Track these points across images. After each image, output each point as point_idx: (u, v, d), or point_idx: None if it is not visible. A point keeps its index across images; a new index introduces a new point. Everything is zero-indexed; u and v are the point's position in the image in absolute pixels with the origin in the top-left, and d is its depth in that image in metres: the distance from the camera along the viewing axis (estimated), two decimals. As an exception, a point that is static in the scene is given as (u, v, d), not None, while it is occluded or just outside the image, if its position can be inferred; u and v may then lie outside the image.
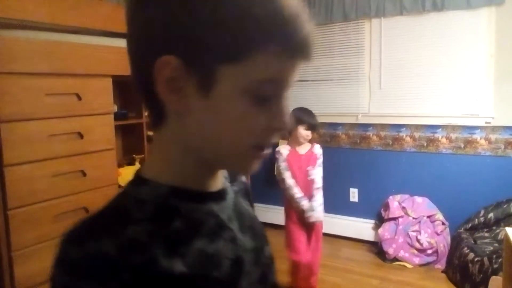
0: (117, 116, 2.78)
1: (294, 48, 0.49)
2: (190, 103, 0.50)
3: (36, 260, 2.12)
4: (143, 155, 3.06)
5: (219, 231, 0.56)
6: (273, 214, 4.26)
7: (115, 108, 2.86)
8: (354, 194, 4.05)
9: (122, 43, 2.61)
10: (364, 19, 3.87)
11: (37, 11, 2.18)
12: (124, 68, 2.19)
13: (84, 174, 2.38)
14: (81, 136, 2.36)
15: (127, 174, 2.77)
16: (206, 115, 0.50)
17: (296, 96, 4.26)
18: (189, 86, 0.49)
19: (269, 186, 4.43)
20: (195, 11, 0.46)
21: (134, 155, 2.98)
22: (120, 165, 2.85)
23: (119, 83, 2.95)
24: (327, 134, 4.13)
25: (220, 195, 0.59)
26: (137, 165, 2.90)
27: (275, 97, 0.51)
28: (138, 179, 0.55)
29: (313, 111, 2.81)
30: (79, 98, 2.35)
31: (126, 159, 3.04)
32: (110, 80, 2.53)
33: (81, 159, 2.37)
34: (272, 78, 0.49)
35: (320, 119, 4.09)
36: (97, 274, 0.46)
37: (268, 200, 4.42)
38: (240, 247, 0.58)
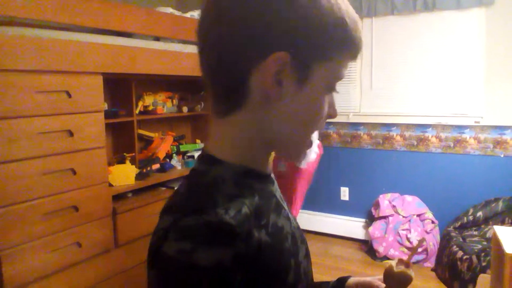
0: (107, 114, 2.76)
1: (357, 51, 0.61)
2: (284, 93, 0.57)
3: (25, 259, 2.10)
4: (133, 153, 3.04)
5: (279, 208, 0.64)
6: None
7: (105, 106, 2.84)
8: (345, 193, 4.06)
9: (112, 40, 2.60)
10: (355, 19, 3.88)
11: (26, 7, 2.15)
12: (114, 65, 2.16)
13: (74, 172, 2.36)
14: (71, 134, 2.34)
15: (117, 172, 2.75)
16: (295, 104, 0.58)
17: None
18: (289, 78, 0.56)
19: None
20: (299, 11, 0.53)
21: (124, 154, 2.96)
22: (110, 164, 2.83)
23: (110, 81, 2.93)
24: (319, 133, 4.14)
25: (272, 178, 0.68)
26: (128, 164, 2.89)
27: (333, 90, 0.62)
28: (212, 159, 0.61)
29: None
30: (69, 95, 2.32)
31: (116, 158, 3.02)
32: (100, 77, 2.51)
33: (70, 157, 2.35)
34: (341, 75, 0.61)
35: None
36: (216, 241, 0.49)
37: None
38: (292, 224, 0.67)
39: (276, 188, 0.67)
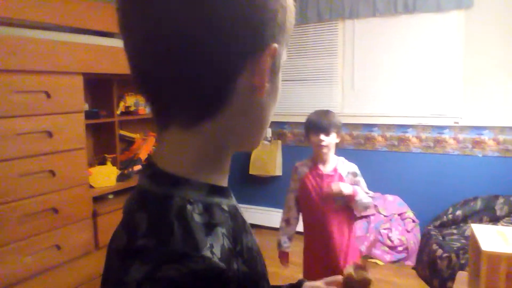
0: (88, 115, 2.72)
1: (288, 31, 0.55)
2: (267, 85, 0.51)
3: (2, 263, 2.06)
4: (114, 155, 3.01)
5: (245, 224, 0.57)
6: (246, 213, 4.26)
7: (86, 107, 2.80)
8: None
9: (93, 40, 2.57)
10: (337, 20, 3.92)
11: (5, 6, 2.11)
12: (95, 65, 2.14)
13: (53, 174, 2.32)
14: (50, 135, 2.30)
15: (98, 174, 2.72)
16: (270, 95, 0.53)
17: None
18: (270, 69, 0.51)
19: (242, 185, 4.44)
20: (272, 3, 0.49)
21: (105, 155, 2.93)
22: (91, 165, 2.79)
23: (91, 81, 2.89)
24: (300, 133, 4.16)
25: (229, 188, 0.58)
26: (109, 165, 2.85)
27: None
28: (171, 178, 0.50)
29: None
30: (48, 95, 2.29)
31: (97, 159, 2.98)
32: (81, 77, 2.47)
33: (50, 158, 2.31)
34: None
35: (294, 119, 4.15)
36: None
37: (241, 199, 4.42)
38: (253, 237, 0.58)
39: (234, 200, 0.59)
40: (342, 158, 2.19)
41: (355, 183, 2.09)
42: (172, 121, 0.52)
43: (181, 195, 0.49)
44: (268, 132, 4.28)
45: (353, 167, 2.15)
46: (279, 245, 2.21)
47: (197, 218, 0.47)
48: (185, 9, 0.45)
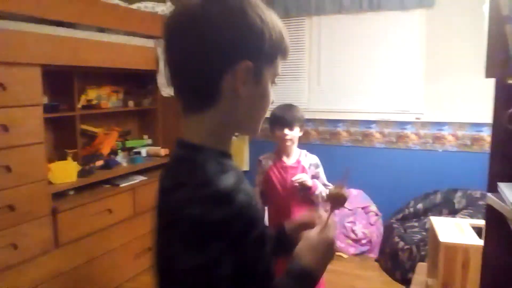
0: (47, 109, 2.62)
1: (287, 53, 0.83)
2: (247, 91, 0.76)
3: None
4: (75, 150, 2.91)
5: (243, 176, 0.83)
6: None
7: (45, 100, 2.70)
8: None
9: (52, 30, 2.47)
10: (304, 16, 3.94)
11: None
12: (54, 56, 2.06)
13: (9, 170, 2.23)
14: (5, 129, 2.20)
15: (57, 169, 2.63)
16: (254, 98, 0.79)
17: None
18: (250, 79, 0.75)
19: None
20: (255, 34, 0.74)
21: (66, 150, 2.83)
22: (50, 160, 2.70)
23: (50, 74, 2.78)
24: (267, 129, 4.16)
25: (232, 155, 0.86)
26: (69, 160, 2.76)
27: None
28: (194, 146, 0.78)
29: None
30: (4, 88, 2.18)
31: (57, 154, 2.88)
32: (38, 69, 2.38)
33: (5, 153, 2.22)
34: (278, 72, 0.82)
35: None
36: (222, 203, 0.70)
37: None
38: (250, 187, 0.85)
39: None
40: (304, 151, 2.24)
41: (316, 174, 2.16)
42: (188, 110, 0.79)
43: (201, 155, 0.76)
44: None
45: (315, 159, 2.22)
46: None
47: (214, 167, 0.75)
48: (189, 45, 0.73)
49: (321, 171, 2.20)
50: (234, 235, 0.71)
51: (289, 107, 2.19)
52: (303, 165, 2.16)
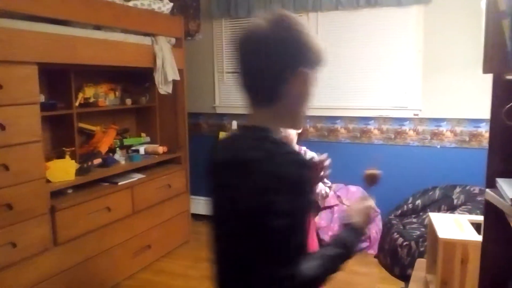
0: (44, 107, 2.61)
1: (324, 62, 1.03)
2: (301, 91, 1.00)
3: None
4: (73, 148, 2.90)
5: None
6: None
7: (42, 98, 2.69)
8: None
9: (49, 28, 2.46)
10: (301, 13, 3.93)
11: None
12: (51, 54, 2.04)
13: (7, 168, 2.22)
14: (2, 127, 2.20)
15: (55, 168, 2.62)
16: (304, 96, 1.02)
17: (236, 87, 4.24)
18: (303, 82, 0.98)
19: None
20: (307, 48, 0.98)
21: (64, 148, 2.82)
22: (48, 159, 2.69)
23: (47, 72, 2.77)
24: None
25: None
26: (67, 159, 2.75)
27: None
28: (266, 129, 0.99)
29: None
30: (0, 86, 2.17)
31: (55, 152, 2.87)
32: (35, 67, 2.37)
33: (3, 152, 2.21)
34: (317, 77, 1.03)
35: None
36: (301, 167, 0.94)
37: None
38: None
39: None
40: (304, 148, 2.26)
41: None
42: (256, 105, 1.03)
43: (269, 135, 0.98)
44: (234, 124, 4.26)
45: (313, 156, 2.21)
46: None
47: (286, 145, 0.98)
48: (261, 58, 0.97)
49: None
50: (307, 194, 0.96)
51: None
52: None
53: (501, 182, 1.06)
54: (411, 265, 2.80)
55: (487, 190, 1.12)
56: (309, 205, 1.04)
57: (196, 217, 4.25)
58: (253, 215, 0.89)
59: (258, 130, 0.99)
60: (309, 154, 2.24)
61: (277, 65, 0.96)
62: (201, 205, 4.40)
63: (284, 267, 0.88)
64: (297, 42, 0.97)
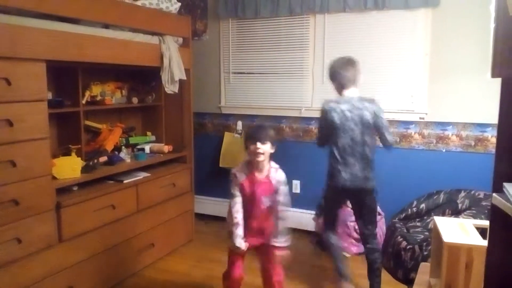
0: (51, 104, 2.63)
1: None
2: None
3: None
4: (79, 145, 2.92)
5: None
6: (216, 206, 4.26)
7: (49, 95, 2.71)
8: (296, 186, 4.13)
9: (57, 26, 2.47)
10: (309, 14, 3.93)
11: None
12: (59, 52, 2.06)
13: (14, 165, 2.23)
14: (10, 124, 2.21)
15: (61, 165, 2.63)
16: None
17: (242, 88, 4.26)
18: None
19: (213, 178, 4.41)
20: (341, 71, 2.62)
21: (70, 145, 2.84)
22: (55, 156, 2.71)
23: (55, 69, 2.79)
24: (272, 127, 4.16)
25: None
26: (73, 156, 2.77)
27: None
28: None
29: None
30: (9, 83, 2.19)
31: (61, 149, 2.89)
32: (43, 65, 2.38)
33: (10, 148, 2.23)
34: None
35: (265, 112, 4.16)
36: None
37: (212, 192, 4.41)
38: None
39: None
40: (276, 166, 2.46)
41: (277, 190, 2.43)
42: (347, 88, 2.51)
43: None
44: (239, 125, 4.26)
45: (283, 177, 2.47)
46: (238, 236, 2.40)
47: None
48: (350, 71, 2.63)
49: (283, 189, 2.46)
50: None
51: (263, 126, 2.59)
52: (271, 181, 2.43)
53: (508, 187, 1.06)
54: (415, 268, 2.80)
55: (494, 194, 1.12)
56: None
57: (199, 216, 4.26)
58: None
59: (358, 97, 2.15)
60: (279, 175, 2.44)
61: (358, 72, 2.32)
62: (205, 204, 4.42)
63: None
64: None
